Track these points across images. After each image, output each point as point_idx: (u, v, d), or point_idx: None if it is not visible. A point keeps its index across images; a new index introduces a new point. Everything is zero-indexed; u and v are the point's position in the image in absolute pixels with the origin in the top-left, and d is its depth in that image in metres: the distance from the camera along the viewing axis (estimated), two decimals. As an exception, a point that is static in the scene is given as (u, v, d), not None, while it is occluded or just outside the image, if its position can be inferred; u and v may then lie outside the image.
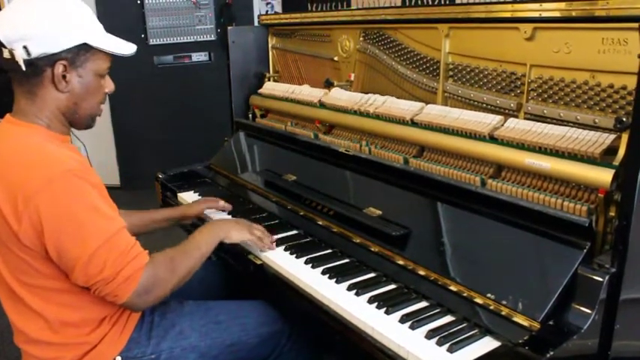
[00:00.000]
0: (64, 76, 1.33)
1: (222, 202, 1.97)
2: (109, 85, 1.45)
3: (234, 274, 1.94)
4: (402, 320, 1.26)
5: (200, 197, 2.13)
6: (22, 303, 1.35)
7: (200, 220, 1.96)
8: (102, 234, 1.26)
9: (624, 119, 1.20)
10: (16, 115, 1.36)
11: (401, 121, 1.74)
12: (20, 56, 1.26)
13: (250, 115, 2.51)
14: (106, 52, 1.38)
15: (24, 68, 1.28)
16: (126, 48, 1.42)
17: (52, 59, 1.30)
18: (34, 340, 1.38)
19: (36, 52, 1.27)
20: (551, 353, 1.06)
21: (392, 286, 1.42)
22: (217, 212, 1.97)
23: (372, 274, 1.48)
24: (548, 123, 1.40)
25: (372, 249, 1.55)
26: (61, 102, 1.36)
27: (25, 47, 1.26)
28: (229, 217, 1.92)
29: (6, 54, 1.28)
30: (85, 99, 1.39)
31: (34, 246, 1.26)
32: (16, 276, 1.33)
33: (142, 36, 4.40)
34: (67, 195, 1.25)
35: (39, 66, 1.29)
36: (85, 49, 1.34)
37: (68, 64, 1.32)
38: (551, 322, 1.15)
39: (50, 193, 1.23)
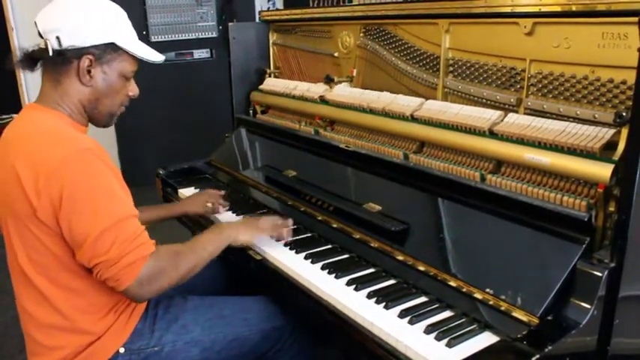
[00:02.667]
0: (88, 71, 1.40)
1: (221, 195, 2.00)
2: (133, 89, 1.52)
3: (235, 271, 1.94)
4: (401, 315, 1.26)
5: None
6: (32, 286, 1.37)
7: (203, 218, 1.97)
8: (114, 215, 1.30)
9: (624, 114, 1.20)
10: (40, 102, 1.43)
11: (401, 117, 1.74)
12: (52, 45, 1.35)
13: (251, 112, 2.51)
14: (133, 56, 1.45)
15: (51, 54, 1.35)
16: (153, 55, 1.50)
17: (79, 52, 1.37)
18: (43, 325, 1.40)
19: (66, 43, 1.35)
20: (550, 348, 1.06)
21: (391, 282, 1.43)
22: (222, 212, 1.96)
23: (371, 270, 1.49)
24: (548, 118, 1.39)
25: (372, 244, 1.55)
26: (83, 95, 1.42)
27: (57, 38, 1.35)
28: (234, 215, 1.93)
29: (42, 44, 1.37)
30: (106, 96, 1.45)
31: (49, 222, 1.29)
32: (29, 256, 1.36)
33: (144, 33, 4.40)
34: (86, 172, 1.29)
35: (67, 56, 1.37)
36: (112, 48, 1.41)
37: (94, 59, 1.39)
38: (550, 317, 1.15)
39: (70, 168, 1.28)
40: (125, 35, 1.44)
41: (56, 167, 1.27)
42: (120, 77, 1.45)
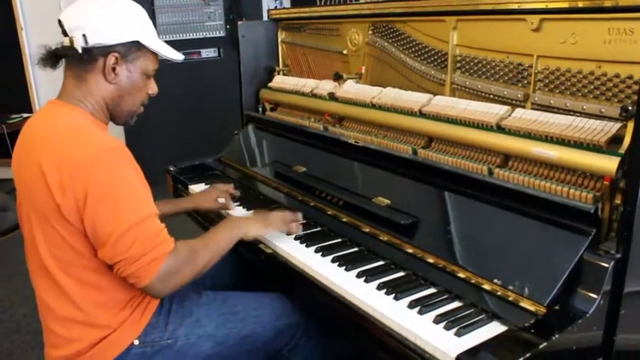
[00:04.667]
0: (113, 68, 1.43)
1: (231, 189, 2.02)
2: (152, 87, 1.56)
3: (246, 265, 1.96)
4: (411, 306, 1.29)
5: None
6: (53, 281, 1.40)
7: (213, 214, 2.00)
8: (137, 214, 1.32)
9: (630, 108, 1.21)
10: (62, 98, 1.45)
11: (409, 113, 1.76)
12: (79, 43, 1.38)
13: (260, 109, 2.53)
14: (156, 55, 1.50)
15: (80, 52, 1.39)
16: (174, 54, 1.55)
17: (106, 50, 1.41)
18: (61, 318, 1.42)
19: (93, 41, 1.39)
20: (557, 337, 1.08)
21: (401, 274, 1.45)
22: (233, 207, 1.99)
23: (381, 262, 1.51)
24: (555, 113, 1.41)
25: (381, 238, 1.57)
26: (107, 92, 1.46)
27: (84, 35, 1.38)
28: (245, 210, 1.95)
29: (66, 42, 1.40)
30: (129, 94, 1.49)
31: (73, 219, 1.32)
32: (52, 252, 1.38)
33: (152, 32, 4.43)
34: (112, 170, 1.32)
35: (93, 54, 1.41)
36: (137, 46, 1.45)
37: (120, 57, 1.43)
38: (557, 307, 1.17)
39: (96, 167, 1.30)
40: (148, 34, 1.48)
41: (81, 165, 1.29)
42: (142, 75, 1.49)
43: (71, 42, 1.38)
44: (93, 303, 1.41)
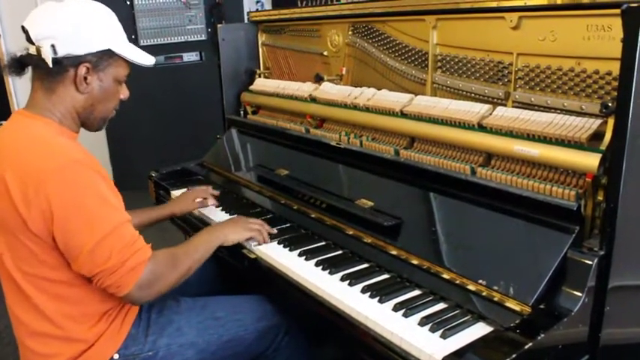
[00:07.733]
0: (85, 78, 1.38)
1: (210, 189, 2.00)
2: (124, 92, 1.51)
3: (229, 270, 1.94)
4: (396, 308, 1.27)
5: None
6: (23, 295, 1.36)
7: (194, 217, 1.97)
8: (109, 223, 1.29)
9: (610, 104, 1.21)
10: (30, 109, 1.40)
11: (391, 113, 1.75)
12: (47, 54, 1.31)
13: (242, 112, 2.51)
14: (127, 60, 1.45)
15: (51, 65, 1.32)
16: (146, 59, 1.50)
17: (76, 60, 1.36)
18: (35, 333, 1.39)
19: (62, 51, 1.33)
20: (542, 336, 1.07)
21: (385, 276, 1.44)
22: (212, 209, 1.97)
23: (365, 265, 1.50)
24: (536, 110, 1.41)
25: (365, 240, 1.56)
26: (78, 102, 1.41)
27: (52, 46, 1.32)
28: (228, 215, 1.93)
29: (32, 50, 1.34)
30: (101, 102, 1.44)
31: (41, 234, 1.28)
32: (19, 266, 1.34)
33: (133, 37, 4.39)
34: (77, 183, 1.28)
35: (63, 65, 1.35)
36: (108, 54, 1.40)
37: (91, 67, 1.38)
38: (542, 306, 1.16)
39: (61, 180, 1.26)
40: (119, 40, 1.43)
41: (45, 179, 1.25)
42: (114, 82, 1.45)
43: (38, 51, 1.32)
44: (65, 316, 1.37)
